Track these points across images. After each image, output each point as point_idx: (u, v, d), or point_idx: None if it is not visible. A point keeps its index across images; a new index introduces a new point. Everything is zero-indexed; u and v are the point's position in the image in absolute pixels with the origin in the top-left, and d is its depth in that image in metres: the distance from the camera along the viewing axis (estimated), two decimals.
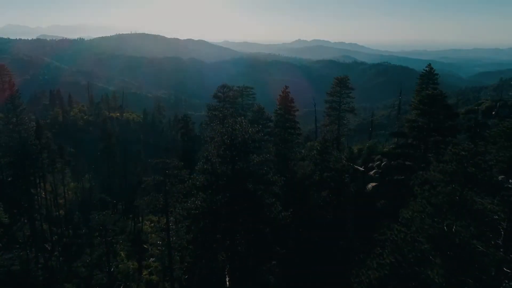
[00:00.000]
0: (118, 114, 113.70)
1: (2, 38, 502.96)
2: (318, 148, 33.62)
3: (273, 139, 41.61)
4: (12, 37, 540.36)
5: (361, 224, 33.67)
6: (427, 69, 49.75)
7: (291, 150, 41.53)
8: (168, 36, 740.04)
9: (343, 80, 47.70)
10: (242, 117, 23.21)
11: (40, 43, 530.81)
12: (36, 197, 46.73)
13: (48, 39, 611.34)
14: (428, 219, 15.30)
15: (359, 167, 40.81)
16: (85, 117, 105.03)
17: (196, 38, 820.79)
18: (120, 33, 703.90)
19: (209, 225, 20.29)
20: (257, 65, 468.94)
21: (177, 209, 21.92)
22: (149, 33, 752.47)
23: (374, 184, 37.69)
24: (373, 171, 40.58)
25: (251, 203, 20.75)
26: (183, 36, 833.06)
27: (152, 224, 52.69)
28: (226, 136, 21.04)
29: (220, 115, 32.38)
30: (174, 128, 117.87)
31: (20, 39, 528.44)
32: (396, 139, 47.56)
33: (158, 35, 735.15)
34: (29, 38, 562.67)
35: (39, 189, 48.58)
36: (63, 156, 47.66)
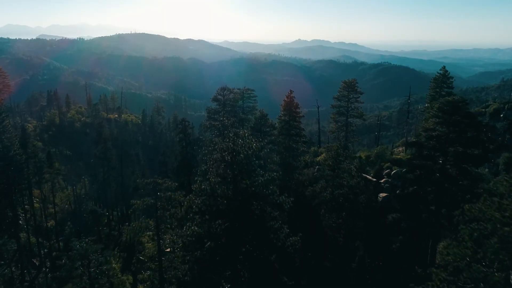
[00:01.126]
0: (116, 115, 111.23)
1: (1, 38, 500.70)
2: (330, 163, 30.56)
3: (276, 148, 38.86)
4: (12, 37, 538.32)
5: (372, 240, 31.23)
6: (441, 72, 46.67)
7: (296, 159, 38.92)
8: (168, 36, 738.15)
9: (351, 84, 44.27)
10: (245, 130, 20.35)
11: (39, 43, 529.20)
12: (25, 207, 44.01)
13: (48, 39, 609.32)
14: (477, 264, 12.69)
15: (369, 177, 38.24)
16: (82, 119, 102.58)
17: (196, 38, 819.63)
18: (120, 33, 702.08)
19: (207, 253, 17.74)
20: (257, 65, 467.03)
21: (171, 236, 19.20)
22: (149, 33, 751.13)
23: (384, 194, 35.28)
24: (383, 180, 38.11)
25: (255, 228, 18.26)
26: (183, 36, 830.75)
27: (150, 233, 50.15)
28: (226, 153, 18.48)
29: (220, 125, 29.13)
30: (174, 130, 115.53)
31: (19, 39, 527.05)
32: (404, 148, 44.96)
33: (158, 35, 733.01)
34: (29, 38, 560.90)
35: (26, 200, 45.68)
36: (52, 165, 44.80)
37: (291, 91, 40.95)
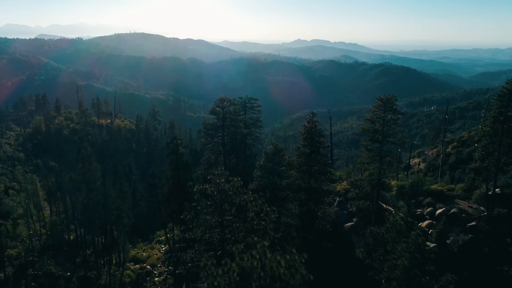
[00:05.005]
0: (109, 121, 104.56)
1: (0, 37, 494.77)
2: (405, 263, 17.64)
3: (295, 195, 29.32)
4: (11, 37, 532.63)
5: None
6: (508, 86, 35.59)
7: (320, 204, 29.93)
8: (168, 36, 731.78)
9: (389, 101, 33.08)
10: (265, 242, 11.58)
11: (38, 43, 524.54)
12: None
13: (46, 38, 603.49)
14: None
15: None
16: (71, 125, 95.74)
17: (195, 38, 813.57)
18: (119, 32, 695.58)
19: None
20: (257, 65, 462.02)
21: None
22: (149, 32, 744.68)
23: (432, 245, 26.58)
24: (426, 223, 29.71)
25: None
26: (182, 36, 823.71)
27: (137, 266, 43.47)
28: None
29: (216, 192, 16.24)
30: (169, 137, 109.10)
31: (17, 39, 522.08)
32: (440, 172, 37.94)
33: (158, 35, 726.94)
34: (29, 38, 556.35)
35: None
36: None
37: (313, 113, 30.82)
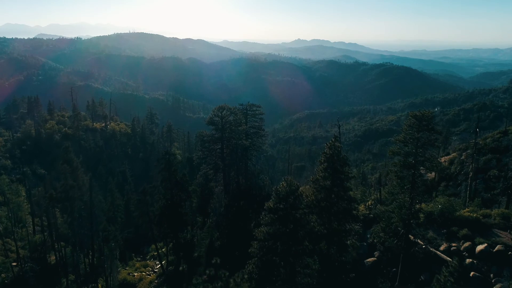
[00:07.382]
0: (103, 124, 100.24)
1: None
2: None
3: (313, 247, 22.76)
4: (11, 36, 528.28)
5: None
6: None
7: (344, 249, 24.45)
8: (167, 36, 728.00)
9: (425, 118, 26.12)
10: None
11: (37, 43, 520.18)
12: None
13: (46, 38, 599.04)
14: None
15: (440, 253, 25.46)
16: (63, 130, 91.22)
17: (195, 38, 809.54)
18: (119, 32, 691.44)
19: None
20: (257, 65, 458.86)
21: None
22: (148, 32, 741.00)
23: None
24: (467, 262, 24.52)
25: None
26: (182, 36, 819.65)
27: None
28: None
29: None
30: (167, 140, 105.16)
31: (16, 38, 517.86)
32: (468, 192, 32.83)
33: (157, 35, 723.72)
34: (28, 37, 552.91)
35: None
36: None
37: (335, 137, 24.98)
